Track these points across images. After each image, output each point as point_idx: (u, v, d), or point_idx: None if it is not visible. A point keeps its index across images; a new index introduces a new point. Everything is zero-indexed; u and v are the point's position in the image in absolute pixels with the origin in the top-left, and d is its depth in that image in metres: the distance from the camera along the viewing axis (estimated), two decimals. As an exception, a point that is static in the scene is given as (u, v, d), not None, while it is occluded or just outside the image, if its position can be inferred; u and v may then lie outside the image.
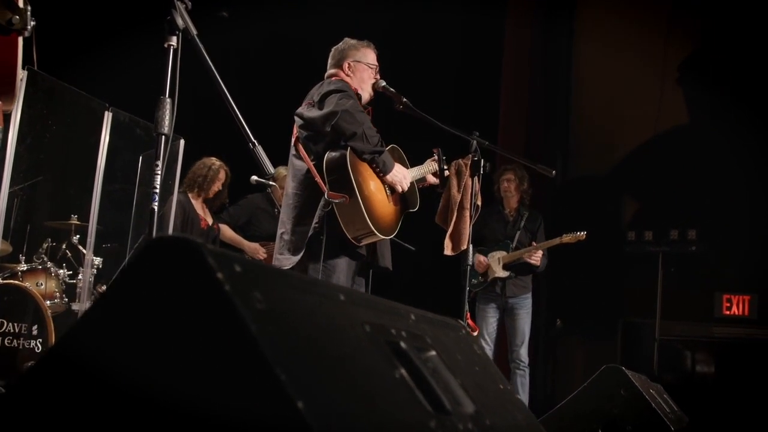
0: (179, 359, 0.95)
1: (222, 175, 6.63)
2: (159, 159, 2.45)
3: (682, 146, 8.45)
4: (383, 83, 4.59)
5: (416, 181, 4.54)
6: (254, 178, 6.67)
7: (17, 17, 1.88)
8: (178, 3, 2.54)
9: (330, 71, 4.63)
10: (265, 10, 9.09)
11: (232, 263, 1.00)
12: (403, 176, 4.24)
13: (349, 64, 4.56)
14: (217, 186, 6.62)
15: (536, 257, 6.45)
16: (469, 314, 4.44)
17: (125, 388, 0.96)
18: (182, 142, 6.68)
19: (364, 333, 1.20)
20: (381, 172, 4.18)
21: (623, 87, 9.08)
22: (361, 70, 4.57)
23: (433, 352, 1.41)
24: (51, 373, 1.02)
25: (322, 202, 4.03)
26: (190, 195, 6.58)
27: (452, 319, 1.71)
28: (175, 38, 2.53)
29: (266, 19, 8.91)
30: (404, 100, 4.52)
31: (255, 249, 7.24)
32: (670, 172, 8.31)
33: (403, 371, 1.22)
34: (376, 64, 4.63)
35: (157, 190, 2.47)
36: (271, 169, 2.81)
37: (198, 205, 6.60)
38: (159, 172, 2.46)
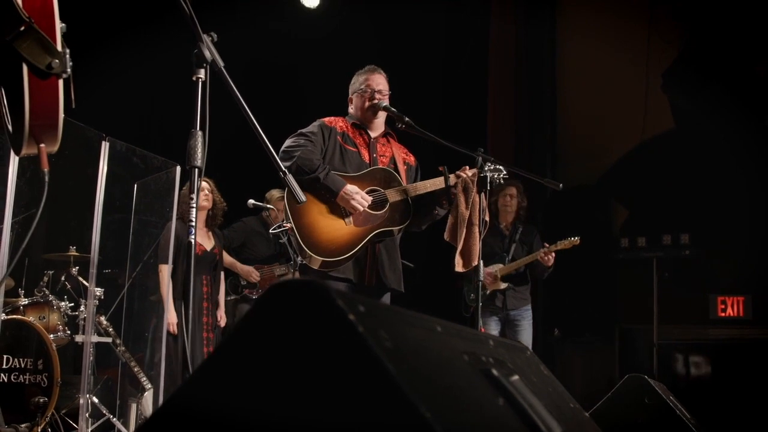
0: (312, 404, 0.96)
1: (202, 186, 6.59)
2: (193, 192, 2.45)
3: (670, 151, 8.54)
4: (384, 103, 4.64)
5: (432, 199, 4.55)
6: (251, 201, 6.68)
7: (56, 61, 1.89)
8: (204, 36, 2.56)
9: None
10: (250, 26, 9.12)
11: (357, 304, 1.02)
12: (351, 196, 4.22)
13: (350, 98, 4.76)
14: (201, 199, 6.59)
15: (550, 257, 6.44)
16: (483, 329, 4.48)
17: None
18: (178, 169, 6.67)
19: (464, 363, 1.22)
20: (330, 197, 4.25)
21: (608, 93, 9.18)
22: (356, 98, 4.72)
23: (517, 377, 1.44)
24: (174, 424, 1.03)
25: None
26: (184, 220, 6.56)
27: (517, 342, 1.73)
28: (203, 71, 2.55)
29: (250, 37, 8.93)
30: (406, 119, 4.56)
31: (248, 272, 7.25)
32: (660, 177, 8.40)
33: (501, 398, 1.24)
34: (370, 86, 4.67)
35: (194, 223, 2.47)
36: (302, 197, 2.83)
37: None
38: (194, 206, 2.47)
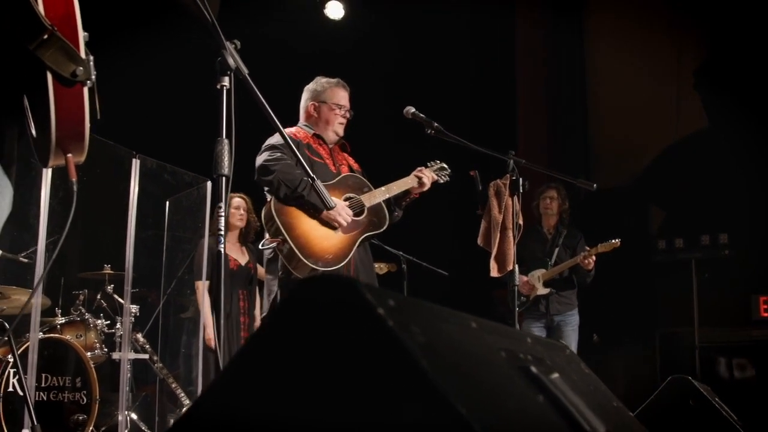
0: (343, 401, 0.92)
1: (236, 203, 6.60)
2: (222, 201, 2.43)
3: (705, 149, 8.41)
4: (412, 110, 4.61)
5: (394, 198, 4.53)
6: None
7: (81, 68, 1.87)
8: (228, 43, 2.54)
9: (301, 109, 4.76)
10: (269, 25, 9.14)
11: (387, 298, 0.98)
12: (336, 212, 4.18)
13: (314, 105, 4.65)
14: (235, 218, 6.59)
15: (590, 260, 6.36)
16: (521, 335, 4.41)
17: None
18: (209, 184, 6.68)
19: (502, 359, 1.18)
20: (315, 213, 4.21)
21: (640, 93, 9.06)
22: (325, 111, 4.63)
23: (557, 374, 1.39)
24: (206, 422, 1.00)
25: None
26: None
27: (556, 340, 1.68)
28: (227, 78, 2.53)
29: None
30: (435, 125, 4.53)
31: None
32: (696, 177, 8.27)
33: (541, 396, 1.19)
34: (343, 104, 4.64)
35: (222, 232, 2.44)
36: (331, 202, 2.80)
37: (228, 245, 6.55)
38: (222, 215, 2.44)
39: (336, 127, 4.59)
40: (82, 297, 6.14)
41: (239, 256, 6.64)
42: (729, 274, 7.96)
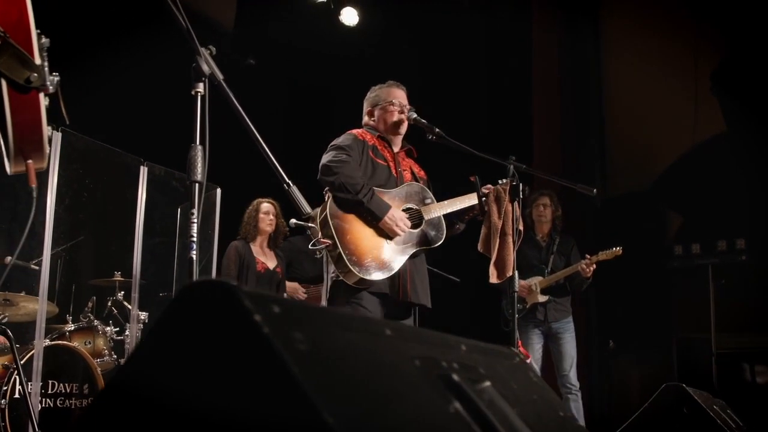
0: (221, 408, 0.90)
1: (265, 208, 6.62)
2: (194, 207, 2.42)
3: (722, 154, 8.30)
4: (414, 115, 4.58)
5: (453, 213, 4.49)
6: (293, 221, 6.65)
7: (35, 75, 1.86)
8: (203, 49, 2.53)
9: (363, 119, 4.70)
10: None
11: (271, 304, 0.95)
12: (395, 223, 4.18)
13: (370, 111, 4.68)
14: (264, 223, 6.60)
15: (591, 269, 6.31)
16: (520, 342, 4.37)
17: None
18: (219, 191, 6.69)
19: (414, 368, 1.15)
20: (372, 221, 4.16)
21: (656, 99, 8.98)
22: (380, 111, 4.62)
23: (488, 383, 1.35)
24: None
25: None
26: (247, 240, 6.59)
27: (505, 347, 1.65)
28: (201, 85, 2.52)
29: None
30: (437, 130, 4.50)
31: (294, 288, 7.22)
32: (713, 181, 8.16)
33: (457, 405, 1.16)
34: (397, 99, 4.62)
35: (195, 239, 2.43)
36: (307, 208, 2.79)
37: (257, 249, 6.61)
38: (195, 221, 2.43)
39: (394, 124, 4.57)
40: (90, 304, 6.17)
41: (267, 260, 6.65)
42: (746, 279, 7.85)
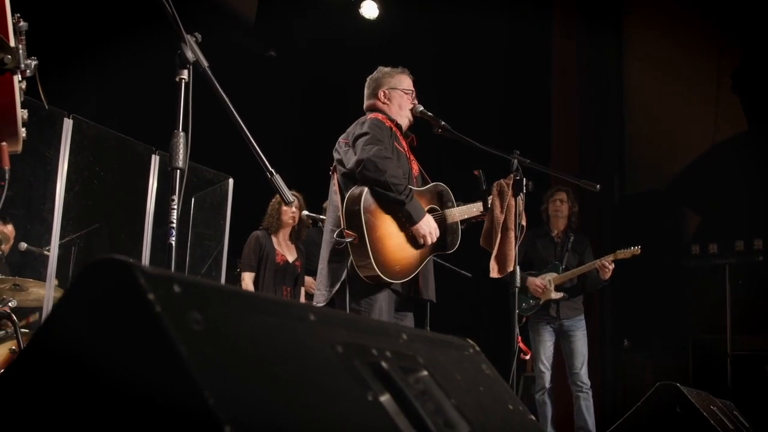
0: (114, 386, 0.90)
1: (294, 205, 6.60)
2: (175, 194, 2.42)
3: (742, 153, 8.20)
4: (421, 108, 4.54)
5: (463, 220, 4.45)
6: (305, 213, 6.67)
7: (9, 57, 1.87)
8: (188, 36, 2.53)
9: (367, 102, 4.62)
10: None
11: (171, 283, 0.94)
12: (429, 231, 4.11)
13: (384, 92, 4.52)
14: (287, 216, 6.58)
15: (610, 269, 6.25)
16: (520, 338, 4.34)
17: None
18: (231, 181, 6.71)
19: (333, 354, 1.13)
20: (407, 223, 4.10)
21: (677, 96, 8.89)
22: (397, 96, 4.52)
23: (425, 373, 1.33)
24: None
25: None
26: (269, 231, 6.58)
27: (459, 337, 1.63)
28: (186, 71, 2.52)
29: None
30: (443, 123, 4.47)
31: (309, 283, 7.22)
32: (732, 181, 8.07)
33: (380, 394, 1.15)
34: (412, 89, 4.58)
35: (174, 225, 2.44)
36: (289, 197, 2.78)
37: (278, 241, 6.60)
38: (175, 207, 2.43)
39: (408, 114, 4.50)
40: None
41: (288, 252, 6.65)
42: (763, 280, 7.76)
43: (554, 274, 6.47)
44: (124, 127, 5.99)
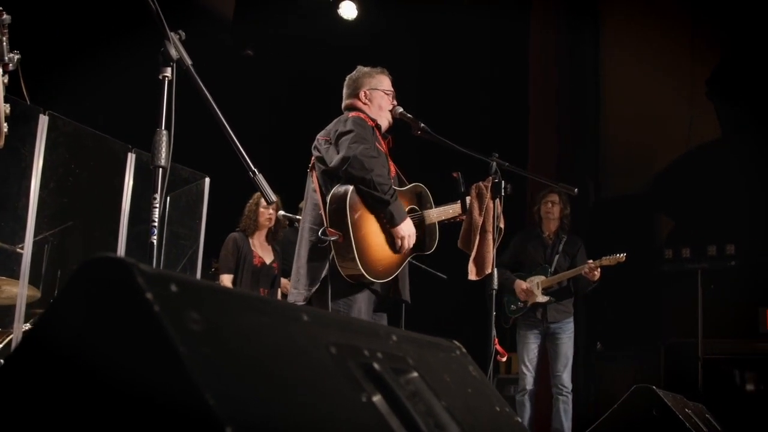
0: (114, 386, 0.89)
1: (265, 202, 6.56)
2: (157, 192, 2.41)
3: (716, 160, 8.29)
4: (400, 109, 4.53)
5: (441, 221, 4.45)
6: (281, 213, 6.65)
7: (-10, 49, 1.85)
8: (172, 34, 2.51)
9: (346, 101, 4.59)
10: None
11: (168, 283, 0.94)
12: (407, 234, 4.11)
13: (365, 92, 4.49)
14: (264, 218, 6.56)
15: (596, 273, 6.26)
16: (497, 339, 4.34)
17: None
18: (207, 180, 6.67)
19: (327, 355, 1.13)
20: (387, 224, 4.09)
21: (652, 103, 8.98)
22: (377, 97, 4.49)
23: (415, 374, 1.34)
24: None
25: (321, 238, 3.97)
26: (246, 233, 6.56)
27: (446, 339, 1.63)
28: (169, 69, 2.51)
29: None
30: (422, 125, 4.46)
31: (284, 284, 7.20)
32: (705, 187, 8.15)
33: (374, 395, 1.15)
34: (392, 89, 4.57)
35: (156, 224, 2.42)
36: (272, 197, 2.77)
37: (255, 242, 6.59)
38: (157, 206, 2.42)
39: (388, 115, 4.47)
40: (74, 290, 6.13)
41: (265, 254, 6.63)
42: (735, 285, 7.84)
43: (542, 277, 6.48)
44: (101, 125, 5.93)
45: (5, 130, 2.04)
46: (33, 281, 5.50)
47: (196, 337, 0.90)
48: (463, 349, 1.64)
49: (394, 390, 1.20)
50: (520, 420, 1.56)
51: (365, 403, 1.11)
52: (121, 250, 5.95)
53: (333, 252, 3.94)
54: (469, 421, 1.36)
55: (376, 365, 1.22)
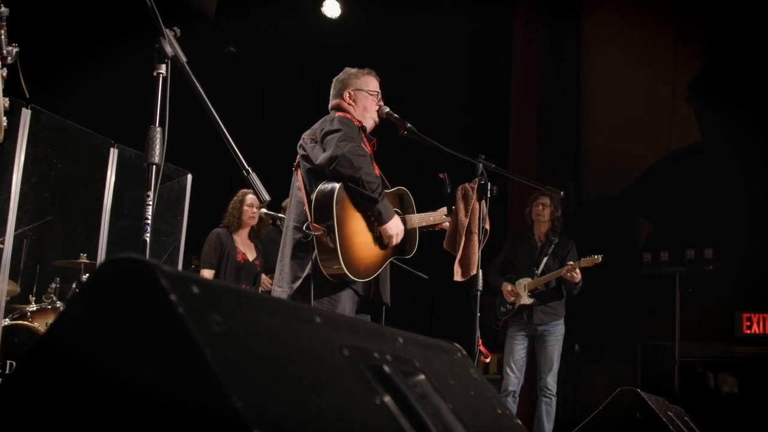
0: (135, 388, 0.88)
1: (249, 200, 6.54)
2: (150, 190, 2.39)
3: (695, 164, 8.36)
4: (387, 109, 4.51)
5: (421, 227, 4.45)
6: (263, 211, 6.65)
7: (-11, 43, 1.83)
8: (167, 30, 2.50)
9: (332, 102, 4.57)
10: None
11: (190, 284, 0.93)
12: (397, 232, 4.11)
13: (350, 93, 4.47)
14: (248, 215, 6.54)
15: (575, 274, 6.28)
16: (481, 341, 4.35)
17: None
18: (189, 177, 6.65)
19: (341, 357, 1.13)
20: (375, 222, 4.09)
21: (634, 106, 9.03)
22: (362, 98, 4.47)
23: (422, 376, 1.34)
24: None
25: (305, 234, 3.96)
26: (230, 229, 6.53)
27: (447, 342, 1.64)
28: (164, 66, 2.49)
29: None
30: (408, 125, 4.44)
31: (264, 281, 7.18)
32: (685, 191, 8.22)
33: (385, 397, 1.15)
34: (378, 90, 4.56)
35: (149, 221, 2.41)
36: (266, 195, 2.76)
37: (239, 239, 6.58)
38: (150, 203, 2.41)
39: (374, 115, 4.45)
40: (54, 285, 6.09)
41: (248, 251, 6.62)
42: (713, 289, 7.91)
43: (529, 279, 6.51)
44: (83, 119, 5.89)
45: (4, 124, 2.02)
46: (12, 276, 5.46)
47: (219, 340, 0.90)
48: (464, 352, 1.65)
49: (403, 392, 1.21)
50: (520, 423, 1.57)
51: (379, 405, 1.11)
52: (102, 245, 5.92)
53: (316, 250, 3.93)
54: (474, 424, 1.37)
55: (386, 367, 1.22)
